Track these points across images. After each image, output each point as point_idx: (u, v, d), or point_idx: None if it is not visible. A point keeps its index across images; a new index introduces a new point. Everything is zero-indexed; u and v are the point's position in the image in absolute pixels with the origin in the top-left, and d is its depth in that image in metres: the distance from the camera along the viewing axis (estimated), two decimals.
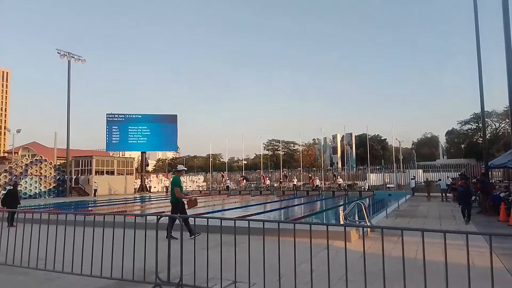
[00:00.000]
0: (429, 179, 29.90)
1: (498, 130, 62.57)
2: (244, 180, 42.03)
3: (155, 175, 47.73)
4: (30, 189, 32.22)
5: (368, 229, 9.14)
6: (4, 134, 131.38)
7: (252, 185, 41.18)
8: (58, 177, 34.62)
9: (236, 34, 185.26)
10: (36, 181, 32.72)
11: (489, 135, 56.70)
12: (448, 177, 27.56)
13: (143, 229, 4.97)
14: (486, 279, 3.30)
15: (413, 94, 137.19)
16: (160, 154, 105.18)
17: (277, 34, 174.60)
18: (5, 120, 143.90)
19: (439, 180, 25.89)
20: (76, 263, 5.08)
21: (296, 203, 22.77)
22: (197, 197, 8.99)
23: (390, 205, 17.22)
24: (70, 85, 35.12)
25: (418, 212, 15.08)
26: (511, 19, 13.62)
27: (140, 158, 45.64)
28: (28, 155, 54.81)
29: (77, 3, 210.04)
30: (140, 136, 40.75)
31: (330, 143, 53.86)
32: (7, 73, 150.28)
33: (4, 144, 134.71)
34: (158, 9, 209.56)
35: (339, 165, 48.05)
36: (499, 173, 28.37)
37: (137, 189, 39.63)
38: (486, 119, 33.63)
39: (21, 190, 30.38)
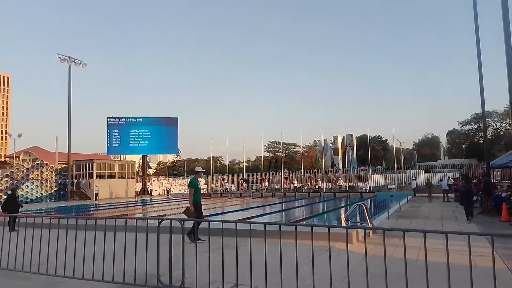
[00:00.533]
0: (430, 180, 29.85)
1: (499, 130, 62.48)
2: (245, 183, 42.01)
3: (156, 178, 47.72)
4: (32, 194, 32.24)
5: (370, 230, 9.12)
6: (5, 138, 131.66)
7: (253, 187, 41.15)
8: (59, 181, 34.64)
9: (236, 36, 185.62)
10: (37, 185, 32.75)
11: (490, 135, 56.61)
12: (449, 177, 27.48)
13: (144, 232, 4.97)
14: (488, 280, 3.29)
15: (414, 95, 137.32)
16: (161, 157, 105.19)
17: (278, 35, 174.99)
18: (6, 125, 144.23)
19: (441, 180, 25.84)
20: (78, 268, 5.08)
21: (297, 205, 22.75)
22: (194, 214, 8.69)
23: (391, 206, 17.20)
24: (71, 89, 35.24)
25: (419, 213, 15.05)
26: (511, 18, 13.63)
27: (141, 161, 45.68)
28: (29, 159, 54.92)
29: (77, 8, 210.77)
30: (141, 139, 40.80)
31: (331, 145, 53.86)
32: (8, 78, 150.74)
33: (5, 148, 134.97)
34: (158, 12, 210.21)
35: (340, 167, 48.00)
36: (498, 173, 28.34)
37: (138, 193, 39.62)
38: (487, 119, 33.64)
39: (22, 194, 30.42)
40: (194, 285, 4.45)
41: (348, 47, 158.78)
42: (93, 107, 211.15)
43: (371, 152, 43.86)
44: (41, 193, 32.94)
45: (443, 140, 77.76)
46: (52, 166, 35.18)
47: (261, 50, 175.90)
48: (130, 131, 40.53)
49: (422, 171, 36.43)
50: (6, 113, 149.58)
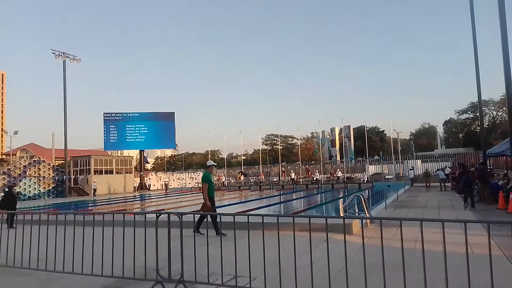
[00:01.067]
0: (428, 170, 30.00)
1: (495, 119, 62.69)
2: (243, 176, 42.11)
3: (154, 173, 47.74)
4: (29, 191, 32.19)
5: (368, 220, 9.18)
6: (2, 136, 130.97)
7: (251, 180, 41.29)
8: (57, 177, 34.58)
9: (232, 30, 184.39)
10: (35, 182, 32.69)
11: (486, 123, 56.80)
12: (446, 166, 27.63)
13: (143, 227, 4.97)
14: (485, 267, 3.32)
15: (410, 85, 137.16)
16: (158, 152, 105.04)
17: (273, 27, 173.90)
18: (2, 122, 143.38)
19: (438, 170, 25.98)
20: (77, 263, 5.08)
21: (295, 197, 22.83)
22: (211, 208, 8.66)
23: (389, 196, 17.29)
24: (66, 85, 35.01)
25: (417, 203, 15.15)
26: (507, 7, 13.58)
27: (138, 156, 45.63)
28: (26, 156, 54.71)
29: (74, 5, 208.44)
30: (138, 134, 40.72)
31: (328, 136, 53.87)
32: (2, 74, 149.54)
33: (1, 146, 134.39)
34: (154, 6, 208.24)
35: (338, 158, 48.14)
36: (489, 161, 28.53)
37: (136, 188, 39.65)
38: (483, 108, 33.73)
39: (20, 191, 30.37)
40: (193, 278, 4.47)
41: (344, 39, 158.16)
42: (90, 104, 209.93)
43: (368, 143, 44.00)
44: (39, 190, 32.90)
45: (440, 130, 78.09)
46: (49, 163, 35.09)
47: (258, 44, 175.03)
48: (127, 126, 40.43)
49: (419, 161, 36.63)
50: (2, 110, 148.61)
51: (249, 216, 4.73)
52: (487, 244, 3.27)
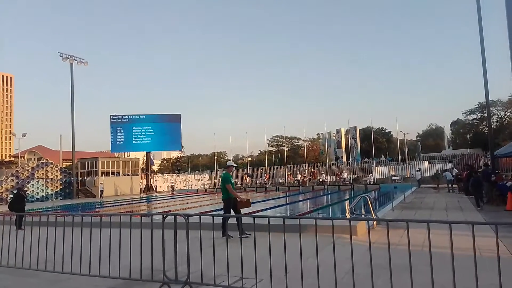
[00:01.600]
0: (438, 171, 29.69)
1: (503, 119, 62.07)
2: (248, 177, 42.12)
3: (161, 175, 47.93)
4: (37, 192, 32.49)
5: (374, 222, 9.13)
6: (10, 138, 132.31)
7: (256, 182, 41.29)
8: (64, 179, 34.86)
9: (237, 31, 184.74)
10: (43, 184, 32.98)
11: (494, 124, 56.24)
12: (452, 167, 27.37)
13: (149, 228, 5.00)
14: (493, 269, 3.29)
15: (417, 86, 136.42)
16: (165, 154, 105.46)
17: (280, 28, 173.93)
18: (10, 125, 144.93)
19: (445, 171, 25.76)
20: (84, 264, 5.13)
21: (301, 199, 22.78)
22: (250, 199, 8.51)
23: (396, 197, 17.17)
24: (73, 88, 35.30)
25: (424, 204, 15.03)
26: None
27: (145, 158, 45.83)
28: (34, 158, 55.28)
29: (78, 6, 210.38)
30: (145, 136, 40.88)
31: (334, 138, 53.69)
32: (10, 77, 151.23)
33: (10, 148, 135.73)
34: (160, 8, 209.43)
35: (344, 159, 47.95)
36: (499, 162, 28.21)
37: (143, 189, 39.82)
38: (491, 108, 33.42)
39: (28, 193, 30.66)
40: (199, 279, 4.48)
41: (351, 39, 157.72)
42: (96, 106, 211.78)
43: (375, 144, 43.76)
44: (47, 192, 33.18)
45: (447, 131, 77.46)
46: (57, 165, 35.37)
47: (264, 44, 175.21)
48: (133, 128, 40.62)
49: (426, 162, 36.33)
50: (10, 113, 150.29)
51: (255, 218, 4.74)
52: (495, 246, 3.24)
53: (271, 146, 79.77)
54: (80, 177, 36.85)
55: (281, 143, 75.15)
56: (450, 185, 22.16)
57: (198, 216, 4.86)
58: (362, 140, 51.46)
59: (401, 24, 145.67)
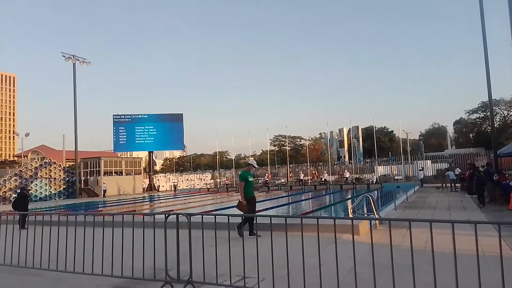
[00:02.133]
0: (445, 170, 29.59)
1: (506, 118, 61.81)
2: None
3: (163, 175, 48.03)
4: (41, 192, 32.63)
5: (377, 221, 9.12)
6: (13, 138, 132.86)
7: (259, 181, 41.30)
8: (67, 179, 34.99)
9: (237, 31, 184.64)
10: (46, 184, 33.12)
11: (497, 123, 56.02)
12: (448, 166, 27.34)
13: (152, 228, 5.01)
14: (496, 269, 3.28)
15: (420, 85, 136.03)
16: (167, 153, 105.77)
17: (282, 28, 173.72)
18: (13, 125, 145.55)
19: (448, 170, 25.69)
20: (87, 263, 5.15)
21: (303, 198, 22.76)
22: (246, 205, 8.47)
23: (398, 197, 17.14)
24: (76, 88, 35.44)
25: (427, 204, 14.99)
26: None
27: (147, 158, 45.94)
28: (37, 158, 55.49)
29: (79, 5, 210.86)
30: (147, 136, 40.98)
31: (336, 137, 53.70)
32: (13, 77, 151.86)
33: (13, 148, 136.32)
34: (160, 8, 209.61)
35: (346, 159, 47.92)
36: (502, 161, 28.14)
37: (145, 189, 39.91)
38: (494, 108, 33.32)
39: (31, 193, 30.79)
40: (201, 278, 4.49)
41: (352, 39, 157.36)
42: (99, 105, 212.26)
43: (377, 143, 43.64)
44: (50, 191, 33.32)
45: (450, 130, 77.22)
46: (60, 164, 35.52)
47: (265, 44, 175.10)
48: (135, 128, 40.72)
49: (429, 162, 36.23)
50: (13, 112, 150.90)
51: (257, 217, 4.74)
52: (498, 246, 3.23)
53: (273, 145, 79.77)
54: (83, 176, 36.97)
55: (283, 143, 75.11)
56: (453, 185, 22.11)
57: (201, 216, 4.87)
58: (364, 140, 51.35)
59: (404, 23, 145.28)
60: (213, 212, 13.24)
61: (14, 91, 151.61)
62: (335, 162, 45.95)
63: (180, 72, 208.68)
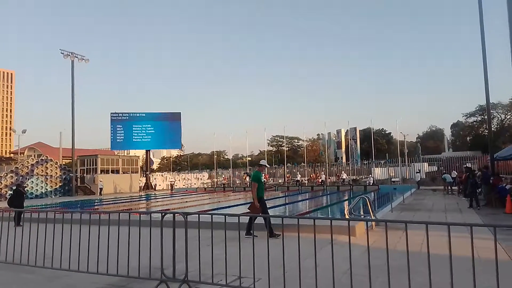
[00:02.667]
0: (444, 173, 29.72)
1: (504, 122, 62.04)
2: (248, 177, 42.13)
3: (160, 174, 47.94)
4: (37, 189, 32.48)
5: (373, 223, 9.12)
6: (10, 134, 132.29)
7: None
8: (64, 176, 34.85)
9: (237, 31, 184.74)
10: (42, 181, 32.97)
11: (494, 127, 56.23)
12: (443, 169, 27.46)
13: (148, 226, 5.00)
14: (491, 271, 3.29)
15: (418, 87, 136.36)
16: (164, 152, 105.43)
17: (279, 28, 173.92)
18: (10, 121, 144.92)
19: (444, 173, 25.77)
20: (82, 261, 5.13)
21: (300, 199, 22.78)
22: (259, 207, 8.24)
23: (395, 199, 17.17)
24: (74, 85, 35.31)
25: (423, 206, 15.03)
26: None
27: (144, 156, 45.83)
28: (34, 155, 55.18)
29: (79, 2, 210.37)
30: (145, 134, 40.87)
31: (334, 138, 53.62)
32: (11, 74, 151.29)
33: (10, 144, 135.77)
34: (161, 7, 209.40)
35: (344, 160, 47.91)
36: (498, 165, 28.32)
37: (142, 187, 39.81)
38: (491, 111, 33.40)
39: (27, 190, 30.65)
40: (197, 277, 4.48)
41: (351, 40, 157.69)
42: (96, 103, 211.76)
43: (375, 145, 43.71)
44: (46, 189, 33.18)
45: (447, 133, 77.49)
46: (56, 162, 35.36)
47: (265, 44, 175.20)
48: (133, 126, 40.60)
49: (426, 164, 36.32)
50: (10, 109, 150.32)
51: (254, 218, 4.73)
52: (494, 248, 3.24)
53: (271, 146, 79.81)
54: (80, 174, 36.83)
55: (281, 143, 75.19)
56: (449, 187, 22.20)
57: (197, 215, 4.86)
58: (362, 141, 51.39)
59: (402, 25, 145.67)
60: (210, 212, 13.23)
61: (12, 87, 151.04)
62: (333, 163, 45.98)
63: (178, 71, 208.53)
